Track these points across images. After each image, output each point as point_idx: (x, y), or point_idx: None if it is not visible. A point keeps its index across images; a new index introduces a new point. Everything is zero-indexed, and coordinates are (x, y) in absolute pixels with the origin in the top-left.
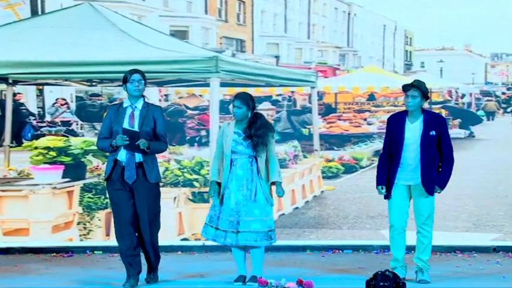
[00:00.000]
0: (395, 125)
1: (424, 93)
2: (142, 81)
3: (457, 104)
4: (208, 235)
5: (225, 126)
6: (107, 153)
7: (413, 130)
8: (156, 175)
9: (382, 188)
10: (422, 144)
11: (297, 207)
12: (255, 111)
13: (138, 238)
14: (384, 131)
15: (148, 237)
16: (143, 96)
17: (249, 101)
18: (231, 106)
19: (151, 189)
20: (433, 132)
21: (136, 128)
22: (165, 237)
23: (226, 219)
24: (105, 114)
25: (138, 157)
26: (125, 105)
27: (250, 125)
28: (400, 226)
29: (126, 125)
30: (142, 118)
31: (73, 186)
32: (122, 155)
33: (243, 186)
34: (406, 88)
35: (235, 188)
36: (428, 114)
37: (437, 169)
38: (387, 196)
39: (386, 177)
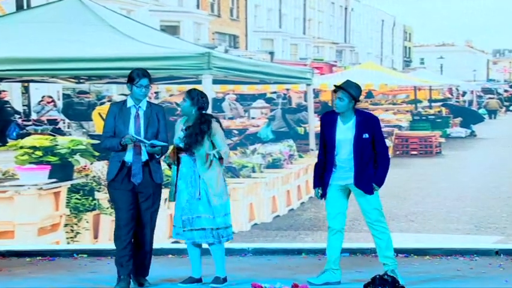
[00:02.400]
0: (327, 125)
1: (353, 96)
2: (149, 86)
3: (457, 102)
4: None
5: (178, 121)
6: (97, 153)
7: (345, 131)
8: (161, 175)
9: (318, 189)
10: (355, 146)
11: (292, 209)
12: (203, 111)
13: (135, 240)
14: (383, 129)
15: (149, 238)
16: None
17: (195, 96)
18: (224, 104)
19: (156, 190)
20: (366, 135)
21: (142, 129)
22: (156, 239)
23: (180, 217)
24: (96, 111)
25: (144, 156)
26: (128, 104)
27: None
28: (337, 227)
29: (132, 126)
30: (147, 119)
31: (60, 187)
32: (129, 156)
33: (188, 183)
34: (334, 90)
35: (183, 186)
36: (361, 115)
37: (373, 167)
38: (323, 196)
39: (320, 179)
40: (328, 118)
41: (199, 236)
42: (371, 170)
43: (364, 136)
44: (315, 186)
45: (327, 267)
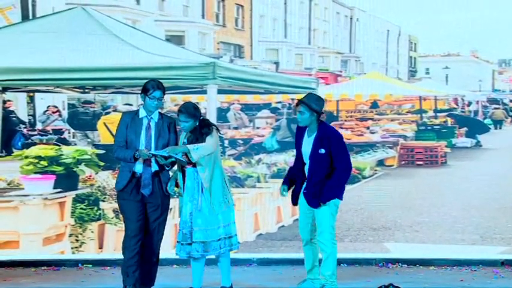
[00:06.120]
0: (298, 136)
1: (313, 109)
2: (162, 98)
3: (463, 112)
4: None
5: (180, 137)
6: (102, 163)
7: (307, 144)
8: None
9: (284, 186)
10: (310, 160)
11: (297, 219)
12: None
13: (142, 249)
14: (388, 139)
15: (157, 248)
16: None
17: (194, 112)
18: (229, 113)
19: (165, 200)
20: (322, 150)
21: (153, 140)
22: (161, 249)
23: (181, 231)
24: (101, 121)
25: (154, 167)
26: (140, 115)
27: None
28: (305, 237)
29: (143, 137)
30: (158, 130)
31: (65, 196)
32: (139, 167)
33: (192, 196)
34: (296, 104)
35: (186, 199)
36: (321, 131)
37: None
38: (295, 203)
39: (289, 180)
40: (301, 129)
41: (197, 250)
42: (320, 185)
43: (320, 151)
44: (282, 184)
45: (307, 277)
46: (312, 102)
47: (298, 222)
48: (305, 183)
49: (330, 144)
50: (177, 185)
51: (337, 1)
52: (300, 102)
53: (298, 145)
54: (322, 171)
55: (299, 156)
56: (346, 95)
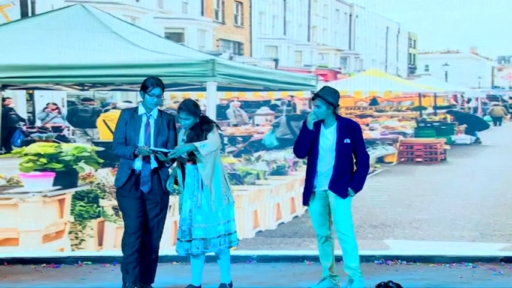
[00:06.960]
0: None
1: (330, 102)
2: (162, 95)
3: (462, 108)
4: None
5: (179, 135)
6: (101, 160)
7: (327, 137)
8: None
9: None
10: (337, 151)
11: (296, 216)
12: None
13: (142, 246)
14: (387, 136)
15: (156, 245)
16: None
17: (195, 110)
18: (228, 111)
19: (164, 197)
20: (347, 140)
21: (152, 137)
22: (160, 246)
23: (180, 228)
24: (101, 118)
25: (153, 164)
26: (140, 112)
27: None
28: (325, 234)
29: (142, 134)
30: (157, 127)
31: (64, 194)
32: (138, 164)
33: (192, 193)
34: (312, 98)
35: (186, 196)
36: (343, 121)
37: (350, 174)
38: (306, 203)
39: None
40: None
41: (197, 247)
42: (348, 176)
43: (345, 141)
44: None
45: (325, 275)
46: (328, 96)
47: (314, 221)
48: (331, 176)
49: (354, 134)
50: (176, 182)
51: None
52: (316, 95)
53: (313, 140)
54: (347, 161)
55: (314, 152)
56: (346, 92)
